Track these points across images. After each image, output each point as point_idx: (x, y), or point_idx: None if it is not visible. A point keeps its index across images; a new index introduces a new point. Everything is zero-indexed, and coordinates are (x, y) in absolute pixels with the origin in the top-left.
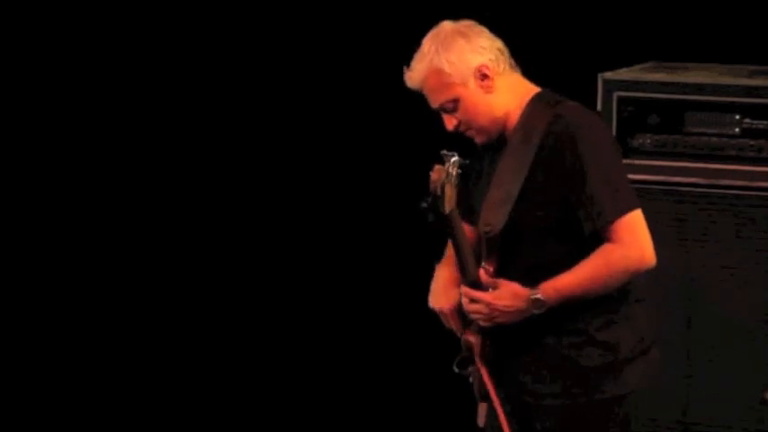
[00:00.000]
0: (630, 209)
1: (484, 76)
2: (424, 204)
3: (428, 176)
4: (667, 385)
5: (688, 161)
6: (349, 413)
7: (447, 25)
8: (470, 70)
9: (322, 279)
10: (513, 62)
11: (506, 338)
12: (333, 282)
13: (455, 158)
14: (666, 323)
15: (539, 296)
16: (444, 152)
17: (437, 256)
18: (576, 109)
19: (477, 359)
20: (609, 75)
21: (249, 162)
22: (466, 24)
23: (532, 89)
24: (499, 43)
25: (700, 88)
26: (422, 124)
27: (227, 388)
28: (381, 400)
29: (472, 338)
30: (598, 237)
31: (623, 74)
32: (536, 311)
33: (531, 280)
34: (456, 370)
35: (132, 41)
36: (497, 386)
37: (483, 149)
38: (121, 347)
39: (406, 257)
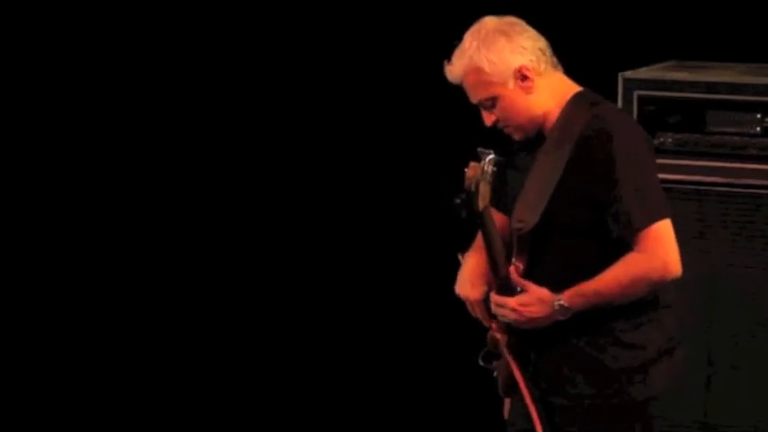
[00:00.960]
0: (659, 218)
1: (524, 77)
2: (458, 200)
3: (463, 173)
4: (687, 386)
5: (709, 160)
6: (362, 412)
7: (489, 22)
8: (510, 71)
9: (330, 277)
10: (555, 60)
11: (533, 337)
12: (343, 279)
13: (491, 156)
14: (687, 323)
15: (563, 302)
16: (480, 149)
17: (450, 250)
18: (615, 111)
19: (504, 352)
20: (629, 74)
21: (252, 161)
22: (508, 22)
23: (573, 88)
24: (541, 42)
25: (721, 87)
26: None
27: (227, 388)
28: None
29: (498, 335)
30: (627, 243)
31: (644, 73)
32: (560, 317)
33: (560, 279)
34: (481, 363)
35: (132, 41)
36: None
37: (521, 146)
38: (121, 347)
39: (416, 253)
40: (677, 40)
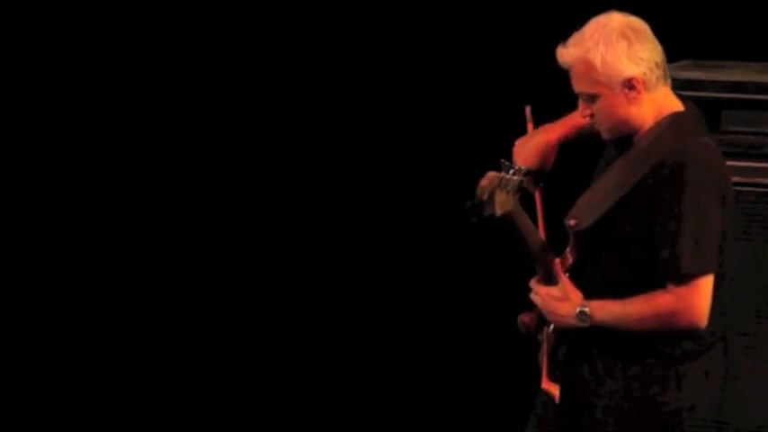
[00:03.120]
0: (705, 272)
1: (631, 87)
2: (467, 205)
3: (477, 181)
4: None
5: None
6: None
7: (616, 20)
8: (620, 77)
9: (330, 277)
10: (667, 74)
11: (570, 332)
12: (343, 279)
13: (518, 167)
14: None
15: (587, 310)
16: (504, 161)
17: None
18: (700, 147)
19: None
20: None
21: (252, 161)
22: (634, 27)
23: (675, 105)
24: (658, 55)
25: (736, 86)
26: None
27: (227, 388)
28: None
29: (527, 319)
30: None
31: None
32: (579, 323)
33: (596, 288)
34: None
35: (132, 41)
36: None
37: (607, 143)
38: (121, 347)
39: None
40: (692, 40)
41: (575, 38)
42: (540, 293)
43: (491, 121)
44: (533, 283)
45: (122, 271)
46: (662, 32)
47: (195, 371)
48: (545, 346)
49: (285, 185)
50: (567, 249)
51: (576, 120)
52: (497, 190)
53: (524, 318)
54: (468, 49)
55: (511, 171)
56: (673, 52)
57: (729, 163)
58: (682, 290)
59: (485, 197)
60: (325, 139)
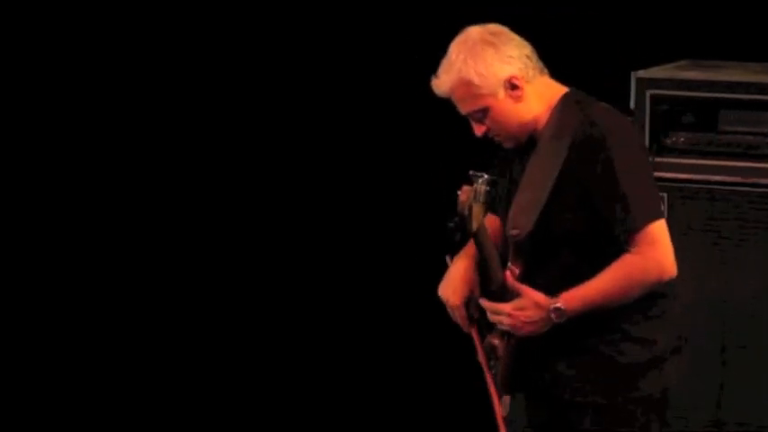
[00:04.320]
0: (653, 219)
1: (513, 87)
2: (452, 224)
3: (456, 197)
4: (700, 384)
5: (722, 160)
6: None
7: (474, 32)
8: (500, 81)
9: (329, 277)
10: (541, 65)
11: (542, 337)
12: (342, 280)
13: (485, 177)
14: (700, 321)
15: (559, 305)
16: (472, 172)
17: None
18: (607, 112)
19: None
20: (642, 73)
21: (250, 163)
22: (493, 31)
23: (560, 90)
24: (527, 49)
25: (734, 86)
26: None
27: (227, 388)
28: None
29: (496, 341)
30: (622, 244)
31: (657, 72)
32: (557, 321)
33: (556, 284)
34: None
35: (132, 41)
36: (529, 381)
37: (512, 152)
38: (121, 347)
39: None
40: (690, 40)
41: (443, 66)
42: (507, 310)
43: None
44: (489, 305)
45: (122, 271)
46: (660, 33)
47: (195, 371)
48: (504, 362)
49: (285, 185)
50: (510, 263)
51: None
52: (473, 203)
53: (493, 340)
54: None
55: (480, 181)
56: (671, 52)
57: (727, 163)
58: (640, 247)
59: (465, 212)
60: (326, 140)
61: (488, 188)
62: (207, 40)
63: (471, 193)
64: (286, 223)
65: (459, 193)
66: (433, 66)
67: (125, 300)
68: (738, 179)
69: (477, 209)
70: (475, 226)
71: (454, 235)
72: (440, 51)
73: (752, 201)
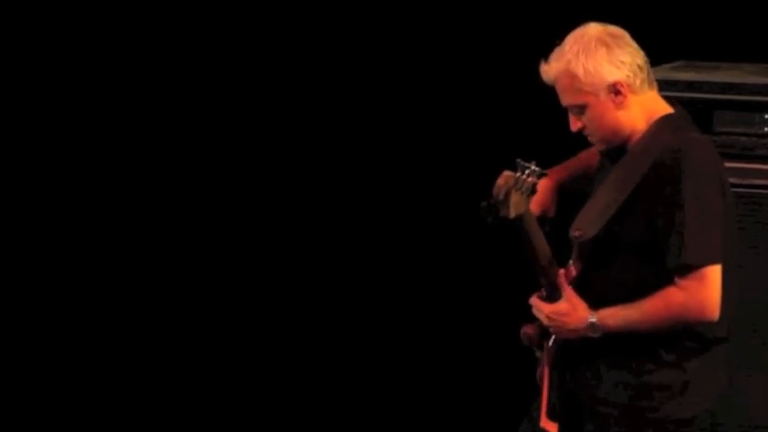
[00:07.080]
0: (711, 261)
1: (617, 92)
2: (484, 204)
3: (494, 180)
4: None
5: None
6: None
7: (593, 29)
8: (604, 83)
9: (331, 277)
10: (651, 78)
11: (574, 344)
12: (344, 280)
13: (533, 168)
14: None
15: (595, 321)
16: (520, 160)
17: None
18: (698, 142)
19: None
20: None
21: (252, 163)
22: (612, 33)
23: (665, 108)
24: (640, 59)
25: (729, 87)
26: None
27: (227, 388)
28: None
29: (530, 331)
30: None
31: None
32: (591, 334)
33: (607, 294)
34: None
35: (132, 41)
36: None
37: (602, 155)
38: (121, 347)
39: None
40: (686, 41)
41: (555, 53)
42: (546, 311)
43: (504, 120)
44: (534, 301)
45: (122, 271)
46: (656, 33)
47: (195, 371)
48: (544, 364)
49: (289, 185)
50: (571, 261)
51: (572, 163)
52: (513, 190)
53: (527, 329)
54: (485, 48)
55: (526, 171)
56: (666, 53)
57: None
58: (690, 282)
59: (501, 197)
60: (334, 140)
61: (537, 180)
62: (207, 41)
63: (512, 180)
64: (291, 222)
65: (498, 177)
66: (450, 64)
67: (125, 300)
68: (733, 180)
69: (516, 197)
70: (513, 213)
71: (485, 216)
72: (453, 50)
73: (746, 201)
